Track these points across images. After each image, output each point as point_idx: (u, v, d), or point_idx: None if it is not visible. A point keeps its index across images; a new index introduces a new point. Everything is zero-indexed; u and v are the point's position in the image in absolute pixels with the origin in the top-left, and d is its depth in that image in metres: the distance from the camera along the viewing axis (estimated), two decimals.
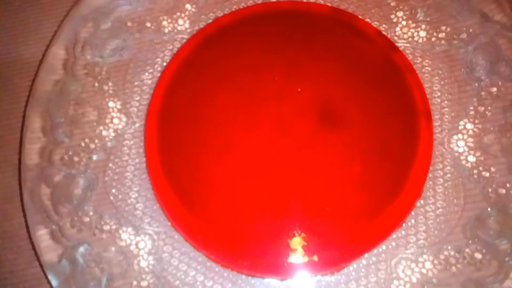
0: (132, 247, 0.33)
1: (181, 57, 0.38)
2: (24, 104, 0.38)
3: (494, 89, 0.35)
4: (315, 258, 0.32)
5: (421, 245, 0.32)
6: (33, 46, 0.40)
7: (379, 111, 0.35)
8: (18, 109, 0.38)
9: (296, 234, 0.32)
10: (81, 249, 0.32)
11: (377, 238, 0.32)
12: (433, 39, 0.37)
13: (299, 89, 0.35)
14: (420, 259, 0.32)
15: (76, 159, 0.35)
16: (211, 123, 0.36)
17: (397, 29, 0.38)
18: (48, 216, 0.32)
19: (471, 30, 0.37)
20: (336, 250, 0.32)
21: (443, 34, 0.37)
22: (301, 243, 0.32)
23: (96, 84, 0.37)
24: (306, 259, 0.32)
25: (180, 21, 0.39)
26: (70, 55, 0.37)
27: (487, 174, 0.33)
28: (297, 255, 0.32)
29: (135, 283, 0.32)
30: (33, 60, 0.40)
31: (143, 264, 0.32)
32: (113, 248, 0.32)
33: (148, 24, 0.39)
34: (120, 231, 0.33)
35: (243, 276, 0.32)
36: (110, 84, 0.37)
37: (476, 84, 0.36)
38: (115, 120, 0.37)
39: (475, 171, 0.34)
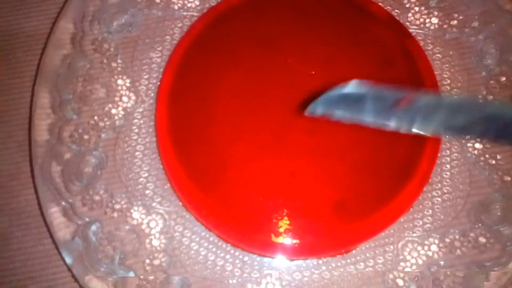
0: (144, 226, 0.33)
1: (192, 35, 0.37)
2: (28, 79, 0.37)
3: (503, 78, 0.36)
4: (324, 240, 0.33)
5: (427, 229, 0.33)
6: (35, 18, 0.39)
7: None
8: (21, 84, 0.37)
9: (305, 216, 0.33)
10: (93, 227, 0.32)
11: (385, 222, 0.33)
12: (445, 26, 0.38)
13: (313, 72, 0.35)
14: (426, 242, 0.33)
15: (85, 136, 0.34)
16: (222, 103, 0.35)
17: (409, 15, 0.38)
18: (59, 193, 0.32)
19: (482, 19, 0.37)
20: (344, 232, 0.33)
21: (455, 21, 0.38)
22: (309, 226, 0.33)
23: (105, 61, 0.37)
24: (315, 240, 0.33)
25: None
26: (78, 30, 0.36)
27: (493, 162, 0.34)
28: (307, 237, 0.33)
29: (147, 261, 0.32)
30: (36, 34, 0.38)
31: (155, 243, 0.33)
32: (125, 227, 0.32)
33: (158, 0, 0.38)
34: (132, 210, 0.33)
35: (254, 256, 0.33)
36: (118, 61, 0.37)
37: (485, 72, 0.37)
38: (124, 98, 0.36)
39: (482, 158, 0.35)
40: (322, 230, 0.32)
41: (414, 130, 0.24)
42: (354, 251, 0.33)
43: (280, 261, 0.33)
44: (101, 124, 0.35)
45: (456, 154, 0.35)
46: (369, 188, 0.34)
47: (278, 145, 0.34)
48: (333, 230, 0.32)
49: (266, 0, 0.38)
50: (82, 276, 0.30)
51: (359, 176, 0.34)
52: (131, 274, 0.31)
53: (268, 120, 0.35)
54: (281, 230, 0.32)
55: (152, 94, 0.36)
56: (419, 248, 0.33)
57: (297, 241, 0.32)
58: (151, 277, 0.31)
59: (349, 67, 0.36)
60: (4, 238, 0.33)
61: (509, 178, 0.34)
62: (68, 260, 0.30)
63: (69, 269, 0.31)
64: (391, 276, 0.32)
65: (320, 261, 0.33)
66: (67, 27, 0.36)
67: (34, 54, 0.38)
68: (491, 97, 0.36)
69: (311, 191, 0.33)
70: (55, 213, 0.31)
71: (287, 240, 0.32)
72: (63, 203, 0.32)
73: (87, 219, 0.32)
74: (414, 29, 0.38)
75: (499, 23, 0.37)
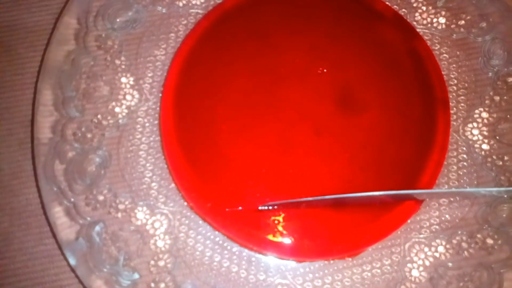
0: (148, 227, 0.32)
1: (197, 33, 0.37)
2: (30, 75, 0.36)
3: (510, 79, 0.36)
4: (332, 242, 0.32)
5: (434, 230, 0.33)
6: (38, 14, 0.38)
7: (397, 96, 0.35)
8: (23, 81, 0.36)
9: (312, 218, 0.33)
10: (97, 227, 0.31)
11: (393, 224, 0.33)
12: (452, 26, 0.37)
13: (324, 70, 0.35)
14: (433, 243, 0.33)
15: (89, 135, 0.34)
16: (228, 102, 0.35)
17: (417, 14, 0.38)
18: (63, 193, 0.31)
19: (490, 19, 0.37)
20: (352, 234, 0.32)
21: (463, 21, 0.37)
22: (317, 228, 0.32)
23: (108, 58, 0.36)
24: (322, 242, 0.32)
25: None
26: (82, 26, 0.35)
27: (500, 163, 0.34)
28: (314, 238, 0.32)
29: (152, 262, 0.31)
30: (39, 29, 0.38)
31: (160, 244, 0.32)
32: (129, 227, 0.32)
33: None
34: (136, 211, 0.33)
35: (260, 257, 0.32)
36: (122, 58, 0.36)
37: (492, 73, 0.36)
38: (128, 97, 0.36)
39: (489, 159, 0.34)
40: (330, 232, 0.32)
41: None
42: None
43: (286, 262, 0.32)
44: (105, 122, 0.34)
45: (463, 155, 0.35)
46: (377, 189, 0.33)
47: (285, 145, 0.34)
48: (341, 231, 0.32)
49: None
50: (86, 277, 0.29)
51: (367, 177, 0.33)
52: (136, 275, 0.31)
53: (275, 119, 0.34)
54: (288, 231, 0.32)
55: (156, 93, 0.36)
56: (426, 249, 0.33)
57: (304, 242, 0.32)
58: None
59: (356, 66, 0.36)
60: (5, 238, 0.33)
61: None
62: (72, 261, 0.30)
63: (73, 270, 0.30)
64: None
65: (327, 263, 0.33)
66: (71, 22, 0.35)
67: (37, 50, 0.37)
68: (498, 98, 0.36)
69: (318, 192, 0.33)
70: (58, 213, 0.31)
71: (294, 241, 0.32)
72: (66, 202, 0.31)
73: (90, 219, 0.32)
74: (421, 28, 0.38)
75: (507, 24, 0.36)
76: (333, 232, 0.32)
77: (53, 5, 0.38)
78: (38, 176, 0.31)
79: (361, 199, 0.31)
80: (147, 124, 0.35)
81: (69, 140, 0.33)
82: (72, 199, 0.32)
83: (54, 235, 0.30)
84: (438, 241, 0.33)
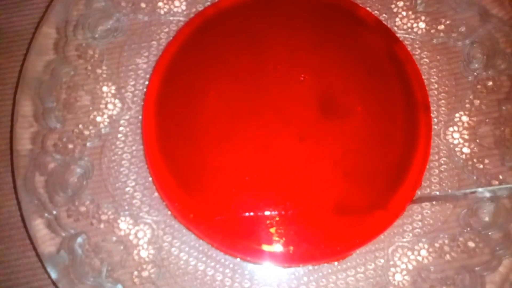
0: (131, 237, 0.32)
1: (179, 41, 0.37)
2: (10, 86, 0.36)
3: (490, 82, 0.36)
4: (317, 247, 0.32)
5: (417, 234, 0.33)
6: (17, 23, 0.38)
7: (379, 101, 0.36)
8: (3, 91, 0.36)
9: (297, 224, 0.33)
10: (79, 239, 0.31)
11: (378, 228, 0.33)
12: (432, 31, 0.38)
13: (302, 78, 0.35)
14: (416, 247, 0.33)
15: (70, 146, 0.33)
16: (210, 110, 0.35)
17: (397, 19, 0.38)
18: (43, 205, 0.31)
19: (469, 24, 0.37)
20: (337, 239, 0.32)
21: (442, 26, 0.38)
22: (302, 233, 0.32)
23: (89, 67, 0.36)
24: (307, 247, 0.32)
25: (176, 3, 0.38)
26: (62, 36, 0.35)
27: (481, 166, 0.35)
28: (299, 244, 0.32)
29: (135, 273, 0.31)
30: (18, 39, 0.37)
31: (143, 254, 0.32)
32: (112, 238, 0.32)
33: (143, 5, 0.38)
34: (119, 221, 0.32)
35: (245, 264, 0.32)
36: (103, 67, 0.36)
37: (472, 77, 0.37)
38: (110, 106, 0.35)
39: (470, 163, 0.35)
40: (314, 237, 0.32)
41: None
42: None
43: (271, 269, 0.32)
44: (86, 132, 0.34)
45: (444, 159, 0.35)
46: (361, 194, 0.33)
47: (269, 152, 0.34)
48: (325, 237, 0.32)
49: (254, 6, 0.37)
50: None
51: (351, 183, 0.33)
52: (119, 287, 0.31)
53: (258, 126, 0.34)
54: (273, 237, 0.32)
55: (139, 101, 0.36)
56: (409, 253, 0.33)
57: (289, 248, 0.32)
58: None
59: (338, 72, 0.36)
60: None
61: (496, 182, 0.34)
62: (54, 274, 0.29)
63: (55, 284, 0.30)
64: None
65: (311, 269, 0.33)
66: (50, 32, 0.35)
67: (18, 60, 0.37)
68: (478, 101, 0.36)
69: (302, 198, 0.33)
70: (38, 225, 0.31)
71: (278, 248, 0.32)
72: (47, 215, 0.31)
73: (72, 231, 0.31)
74: (402, 33, 0.38)
75: (485, 28, 0.37)
76: (318, 236, 0.32)
77: (34, 15, 0.38)
78: (18, 188, 0.31)
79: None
80: (129, 133, 0.35)
81: (50, 152, 0.33)
82: (54, 211, 0.31)
83: (35, 249, 0.30)
84: (420, 244, 0.33)
